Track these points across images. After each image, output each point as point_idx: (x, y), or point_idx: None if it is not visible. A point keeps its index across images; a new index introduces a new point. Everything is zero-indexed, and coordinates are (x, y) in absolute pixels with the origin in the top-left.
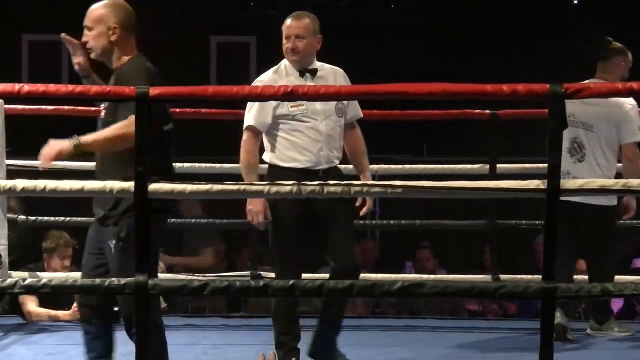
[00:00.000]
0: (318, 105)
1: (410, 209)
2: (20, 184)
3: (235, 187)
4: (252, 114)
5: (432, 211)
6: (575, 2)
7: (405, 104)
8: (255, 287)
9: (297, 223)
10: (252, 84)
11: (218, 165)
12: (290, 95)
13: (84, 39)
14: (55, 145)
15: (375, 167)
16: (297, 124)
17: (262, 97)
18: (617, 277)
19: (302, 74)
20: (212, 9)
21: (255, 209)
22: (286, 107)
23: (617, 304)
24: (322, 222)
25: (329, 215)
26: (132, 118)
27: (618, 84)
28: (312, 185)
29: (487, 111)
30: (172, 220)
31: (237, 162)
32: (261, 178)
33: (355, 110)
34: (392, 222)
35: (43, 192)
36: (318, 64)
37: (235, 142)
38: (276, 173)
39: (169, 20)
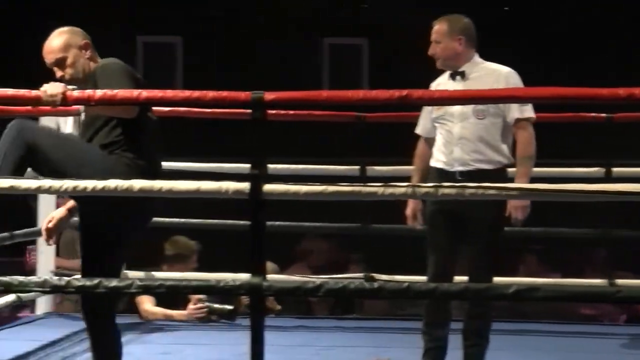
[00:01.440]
0: (455, 108)
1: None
2: (137, 184)
3: (349, 188)
4: (419, 120)
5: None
6: None
7: None
8: (369, 289)
9: (438, 226)
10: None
11: (331, 167)
12: (404, 100)
13: (58, 75)
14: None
15: None
16: (438, 126)
17: (375, 101)
18: None
19: (452, 76)
20: (323, 10)
21: (406, 212)
22: (434, 111)
23: None
24: (462, 227)
25: (466, 220)
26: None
27: None
28: (426, 188)
29: (603, 114)
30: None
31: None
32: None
33: (512, 112)
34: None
35: (159, 192)
36: (478, 64)
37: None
38: (430, 173)
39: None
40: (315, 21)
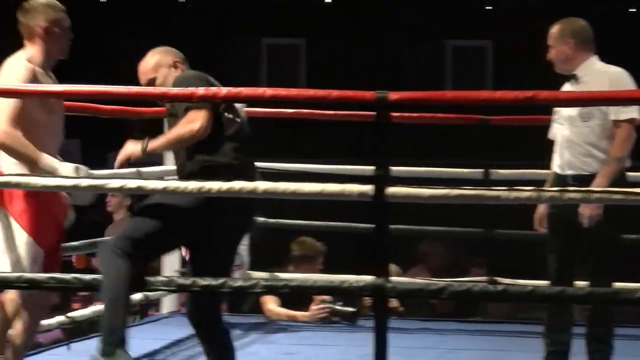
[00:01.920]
0: (566, 111)
1: None
2: (262, 185)
3: (473, 192)
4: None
5: None
6: None
7: None
8: (493, 292)
9: (557, 230)
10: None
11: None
12: (530, 101)
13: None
14: (126, 150)
15: None
16: (556, 129)
17: (499, 100)
18: None
19: (568, 79)
20: (445, 12)
21: (534, 216)
22: (554, 114)
23: None
24: (579, 231)
25: (576, 226)
26: (190, 115)
27: None
28: (551, 192)
29: None
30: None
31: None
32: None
33: (611, 113)
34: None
35: (284, 194)
36: (591, 66)
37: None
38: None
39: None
40: (436, 23)
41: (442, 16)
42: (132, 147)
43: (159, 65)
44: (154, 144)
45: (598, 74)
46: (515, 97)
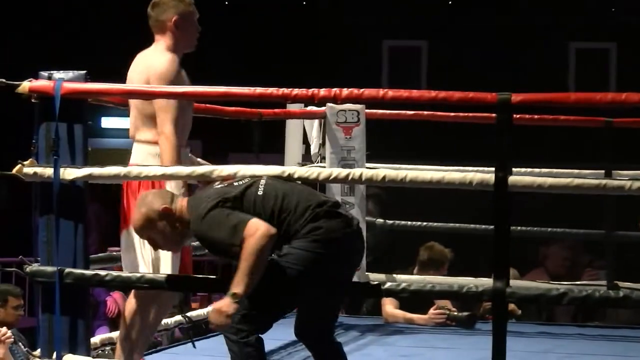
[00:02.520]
0: None
1: None
2: (382, 172)
3: (595, 182)
4: None
5: None
6: None
7: None
8: (614, 298)
9: None
10: None
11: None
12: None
13: None
14: (221, 312)
15: None
16: None
17: (625, 103)
18: None
19: None
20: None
21: None
22: None
23: None
24: None
25: None
26: (250, 226)
27: None
28: None
29: None
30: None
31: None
32: None
33: None
34: None
35: (403, 182)
36: None
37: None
38: None
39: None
40: (561, 25)
41: (566, 18)
42: (223, 307)
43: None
44: (241, 287)
45: None
46: (623, 99)
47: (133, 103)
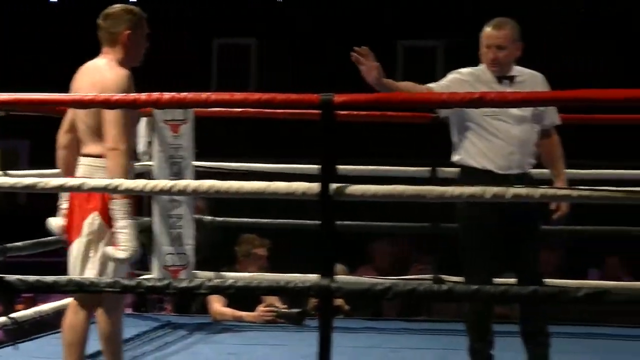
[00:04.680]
0: (513, 109)
1: (594, 215)
2: (206, 183)
3: (418, 189)
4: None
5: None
6: None
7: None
8: (438, 291)
9: (489, 228)
10: (451, 74)
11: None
12: (478, 102)
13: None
14: None
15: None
16: (488, 125)
17: (450, 103)
18: None
19: (500, 80)
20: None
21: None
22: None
23: None
24: (513, 229)
25: (521, 223)
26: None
27: None
28: (501, 190)
29: None
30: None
31: None
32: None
33: (552, 116)
34: (577, 227)
35: (228, 193)
36: (517, 69)
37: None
38: (467, 174)
39: None
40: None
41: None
42: None
43: None
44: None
45: (531, 75)
46: (462, 98)
47: (78, 117)
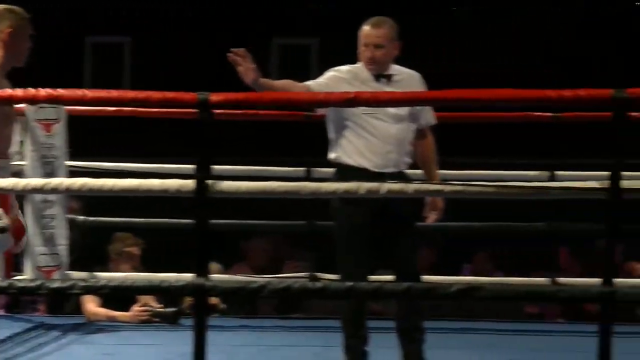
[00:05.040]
0: (390, 108)
1: (467, 212)
2: (78, 182)
3: (293, 185)
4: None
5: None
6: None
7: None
8: (312, 289)
9: (364, 226)
10: (329, 71)
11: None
12: (352, 102)
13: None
14: None
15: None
16: (366, 124)
17: (326, 102)
18: None
19: (377, 78)
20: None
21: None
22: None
23: None
24: (389, 227)
25: (397, 220)
26: None
27: None
28: (376, 186)
29: (548, 113)
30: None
31: None
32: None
33: (428, 116)
34: (449, 224)
35: (101, 191)
36: (395, 68)
37: None
38: (343, 172)
39: None
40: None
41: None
42: None
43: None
44: None
45: (406, 75)
46: (337, 98)
47: None
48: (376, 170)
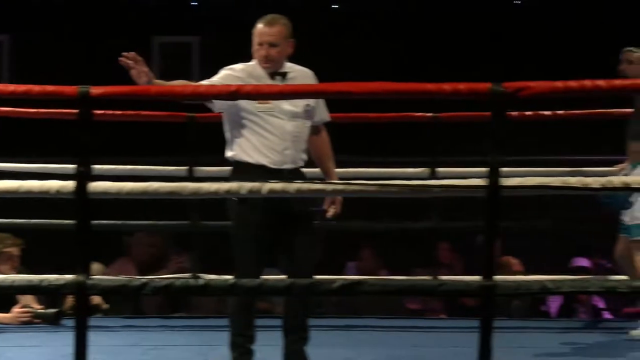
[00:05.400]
0: (285, 105)
1: (353, 211)
2: None
3: (173, 186)
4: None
5: (374, 212)
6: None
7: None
8: (195, 286)
9: (261, 223)
10: (223, 70)
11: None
12: (234, 95)
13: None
14: None
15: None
16: (263, 121)
17: (205, 96)
18: (555, 276)
19: (272, 76)
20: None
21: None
22: (253, 103)
23: (555, 303)
24: (285, 224)
25: (293, 218)
26: None
27: (558, 83)
28: (254, 184)
29: (429, 113)
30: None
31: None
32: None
33: (322, 113)
34: (334, 222)
35: None
36: (288, 65)
37: None
38: (241, 170)
39: None
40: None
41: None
42: None
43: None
44: None
45: (300, 72)
46: (219, 91)
47: None
48: (274, 167)
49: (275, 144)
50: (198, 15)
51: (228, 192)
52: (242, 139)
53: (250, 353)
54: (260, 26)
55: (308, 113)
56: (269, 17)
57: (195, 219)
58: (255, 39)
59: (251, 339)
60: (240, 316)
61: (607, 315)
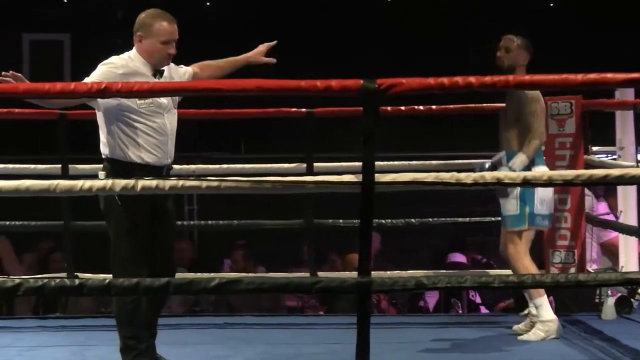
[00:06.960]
0: (164, 100)
1: (227, 208)
2: None
3: (46, 183)
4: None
5: (249, 210)
6: None
7: (220, 101)
8: (70, 286)
9: (139, 222)
10: (104, 64)
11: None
12: (104, 92)
13: None
14: None
15: (192, 166)
16: (143, 119)
17: (74, 94)
18: (433, 271)
19: (154, 74)
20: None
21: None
22: (134, 100)
23: (432, 298)
24: (158, 222)
25: (161, 213)
26: None
27: (429, 79)
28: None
29: (303, 109)
30: None
31: None
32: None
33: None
34: (209, 222)
35: None
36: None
37: None
38: (119, 168)
39: None
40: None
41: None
42: None
43: None
44: None
45: (175, 69)
46: (89, 88)
47: None
48: (158, 164)
49: (159, 140)
50: (69, 12)
51: (102, 189)
52: (122, 136)
53: (143, 354)
54: (165, 24)
55: (174, 102)
56: (167, 14)
57: (69, 218)
58: (161, 37)
59: (142, 340)
60: (128, 318)
61: (483, 309)
